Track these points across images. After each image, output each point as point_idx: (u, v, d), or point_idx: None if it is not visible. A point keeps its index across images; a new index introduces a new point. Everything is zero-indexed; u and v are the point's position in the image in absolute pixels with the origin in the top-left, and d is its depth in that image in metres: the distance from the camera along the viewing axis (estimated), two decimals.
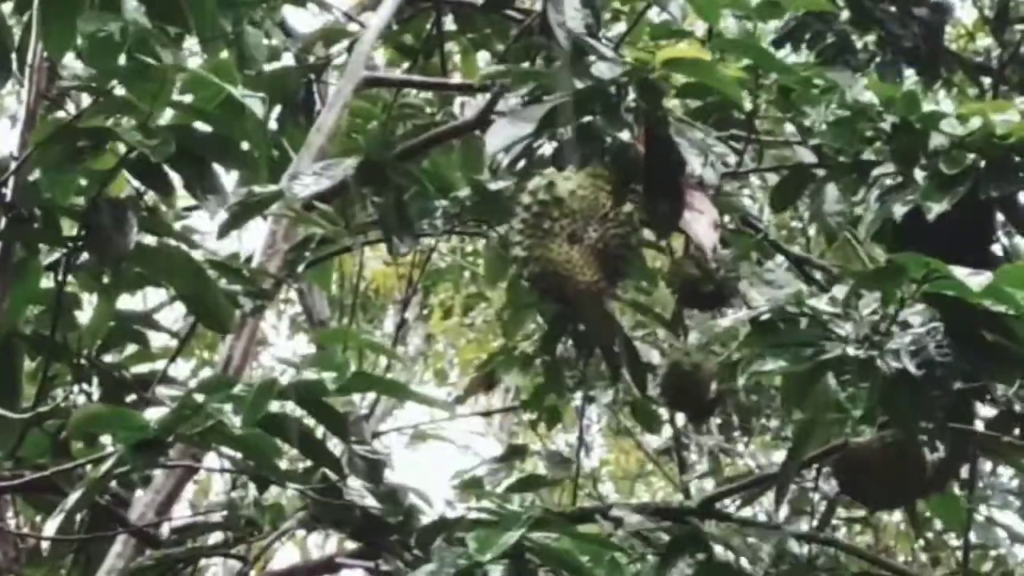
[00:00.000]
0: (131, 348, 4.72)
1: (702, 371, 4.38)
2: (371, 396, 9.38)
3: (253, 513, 3.75)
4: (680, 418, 7.33)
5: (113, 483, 4.30)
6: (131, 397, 4.56)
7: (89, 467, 3.59)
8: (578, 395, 6.03)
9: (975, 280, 3.27)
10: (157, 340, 4.76)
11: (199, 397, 3.37)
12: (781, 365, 3.40)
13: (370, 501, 3.64)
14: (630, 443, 10.10)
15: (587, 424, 10.67)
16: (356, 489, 3.66)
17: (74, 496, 3.58)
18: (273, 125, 5.27)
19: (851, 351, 3.36)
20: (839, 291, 3.47)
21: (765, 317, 3.50)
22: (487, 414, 8.78)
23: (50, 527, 3.63)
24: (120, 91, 3.94)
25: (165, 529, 4.19)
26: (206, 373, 6.40)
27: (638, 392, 4.70)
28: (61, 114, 4.55)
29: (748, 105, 4.06)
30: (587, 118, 3.72)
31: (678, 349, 4.43)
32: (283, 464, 3.68)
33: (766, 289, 4.10)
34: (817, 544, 3.91)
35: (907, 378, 3.31)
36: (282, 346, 10.65)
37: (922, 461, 4.06)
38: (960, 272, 3.26)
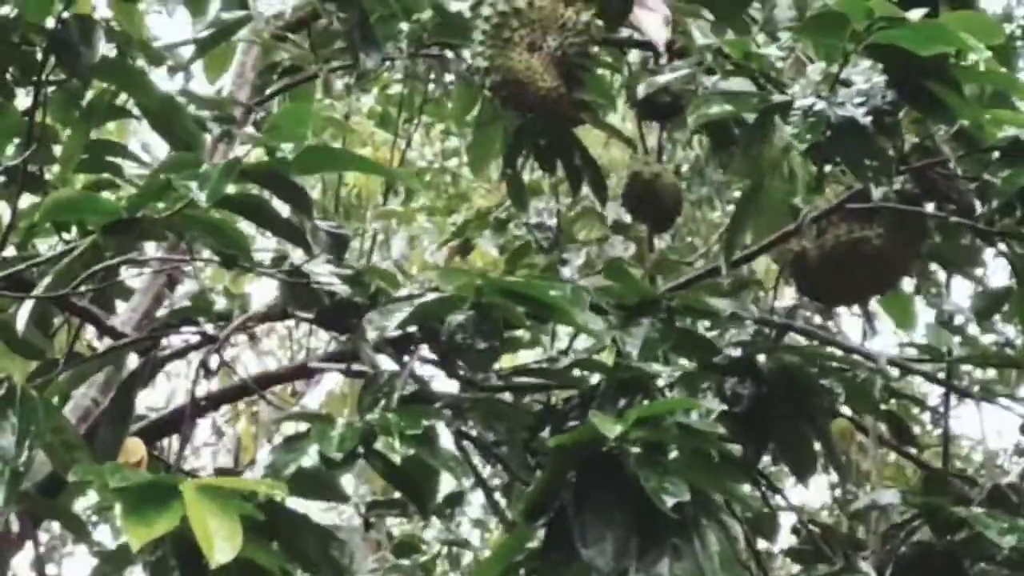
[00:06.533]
0: None
1: (662, 180, 4.48)
2: None
3: (222, 305, 3.86)
4: None
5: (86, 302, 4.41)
6: None
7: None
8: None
9: (918, 13, 3.34)
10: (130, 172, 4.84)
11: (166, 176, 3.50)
12: (727, 109, 3.50)
13: (337, 285, 3.76)
14: None
15: None
16: (323, 273, 3.78)
17: (43, 283, 3.66)
18: None
19: (798, 101, 3.47)
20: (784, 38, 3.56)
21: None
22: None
23: (22, 314, 3.68)
24: None
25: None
26: None
27: (598, 205, 4.81)
28: None
29: None
30: None
31: (638, 159, 4.53)
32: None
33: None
34: (773, 327, 4.02)
35: (856, 125, 3.42)
36: None
37: (876, 259, 4.19)
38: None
